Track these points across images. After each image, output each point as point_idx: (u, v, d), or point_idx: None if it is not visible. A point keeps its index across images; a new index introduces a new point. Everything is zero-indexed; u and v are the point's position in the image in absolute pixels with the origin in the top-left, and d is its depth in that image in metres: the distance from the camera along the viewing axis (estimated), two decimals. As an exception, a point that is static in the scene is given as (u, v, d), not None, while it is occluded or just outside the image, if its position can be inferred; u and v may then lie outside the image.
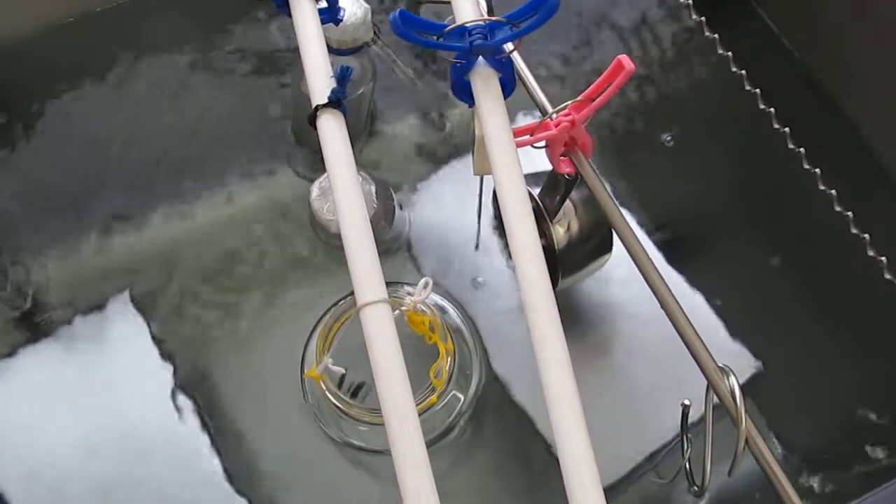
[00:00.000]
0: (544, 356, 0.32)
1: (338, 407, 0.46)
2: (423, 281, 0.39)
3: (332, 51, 0.50)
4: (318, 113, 0.38)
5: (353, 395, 0.49)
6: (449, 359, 0.45)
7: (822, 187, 0.56)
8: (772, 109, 0.57)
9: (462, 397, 0.47)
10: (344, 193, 0.36)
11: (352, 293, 0.39)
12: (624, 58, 0.38)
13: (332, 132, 0.38)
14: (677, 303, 0.39)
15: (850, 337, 0.55)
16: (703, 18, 0.61)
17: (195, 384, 0.53)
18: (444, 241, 0.56)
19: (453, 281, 0.55)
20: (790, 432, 0.52)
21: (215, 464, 0.51)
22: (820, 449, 0.52)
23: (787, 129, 0.57)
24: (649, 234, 0.57)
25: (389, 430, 0.32)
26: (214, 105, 0.61)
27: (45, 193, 0.58)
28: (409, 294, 0.43)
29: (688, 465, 0.44)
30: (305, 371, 0.47)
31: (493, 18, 0.37)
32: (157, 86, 0.61)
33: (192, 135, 0.60)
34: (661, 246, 0.56)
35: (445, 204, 0.57)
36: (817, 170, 0.56)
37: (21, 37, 0.61)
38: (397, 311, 0.36)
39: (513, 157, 0.36)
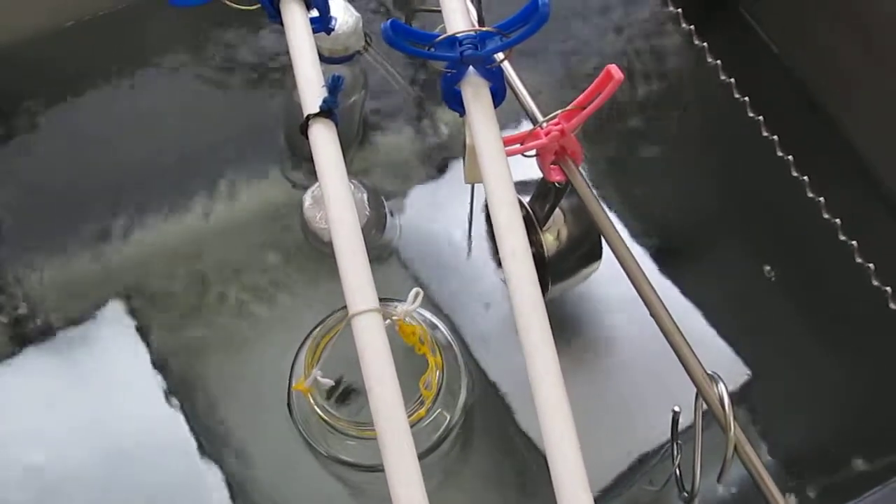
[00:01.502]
0: (535, 366, 0.32)
1: (325, 421, 0.45)
2: (413, 291, 0.39)
3: (324, 59, 0.50)
4: (309, 122, 0.38)
5: (343, 399, 0.49)
6: (438, 372, 0.45)
7: (810, 195, 0.56)
8: (760, 117, 0.58)
9: (450, 412, 0.47)
10: (336, 203, 0.36)
11: (342, 308, 0.39)
12: (613, 67, 0.38)
13: (324, 141, 0.38)
14: (666, 309, 0.39)
15: (840, 343, 0.55)
16: (692, 27, 0.62)
17: (187, 392, 0.53)
18: (436, 249, 0.56)
19: (444, 288, 0.55)
20: (782, 439, 0.52)
21: (205, 474, 0.51)
22: (812, 456, 0.52)
23: (775, 137, 0.57)
24: (640, 242, 0.57)
25: (381, 439, 0.32)
26: (208, 113, 0.61)
27: (39, 200, 0.59)
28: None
29: (678, 472, 0.44)
30: (294, 384, 0.47)
31: (484, 29, 0.37)
32: (151, 93, 0.61)
33: (186, 142, 0.60)
34: (652, 254, 0.57)
35: (437, 212, 0.58)
36: (805, 177, 0.57)
37: (16, 42, 0.62)
38: (388, 321, 0.36)
39: (503, 166, 0.36)
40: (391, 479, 0.31)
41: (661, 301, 0.39)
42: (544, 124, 0.42)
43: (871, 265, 0.55)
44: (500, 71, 0.39)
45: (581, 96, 0.40)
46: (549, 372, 0.32)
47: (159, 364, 0.54)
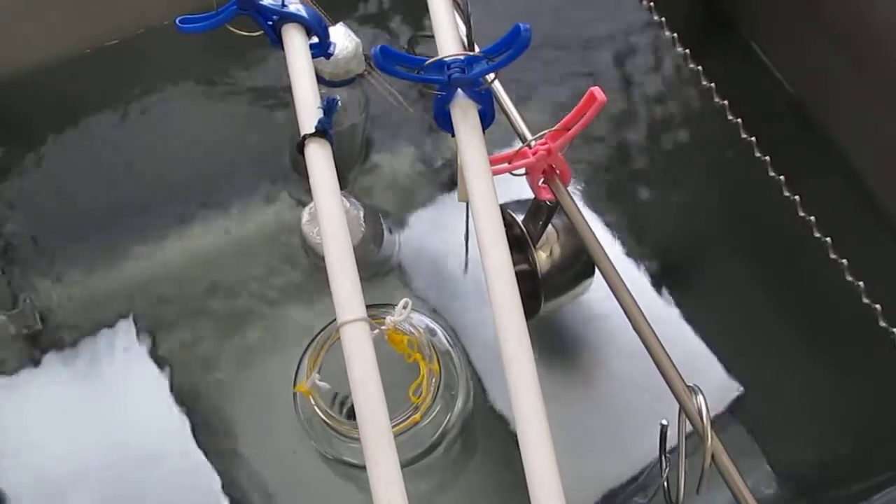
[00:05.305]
0: (513, 374, 0.34)
1: (327, 423, 0.47)
2: (402, 302, 0.40)
3: (326, 83, 0.52)
4: (305, 142, 0.40)
5: (350, 413, 0.50)
6: (433, 379, 0.46)
7: (801, 214, 0.57)
8: (753, 138, 0.59)
9: (448, 415, 0.48)
10: (328, 218, 0.38)
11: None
12: (596, 90, 0.39)
13: (319, 160, 0.40)
14: (648, 323, 0.40)
15: (833, 359, 0.56)
16: (687, 51, 0.63)
17: (195, 402, 0.54)
18: (434, 264, 0.58)
19: (442, 302, 0.56)
20: (776, 454, 0.53)
21: (213, 479, 0.52)
22: (806, 470, 0.53)
23: (767, 158, 0.58)
24: (636, 260, 0.58)
25: (365, 444, 0.33)
26: (217, 135, 0.63)
27: (54, 219, 0.61)
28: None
29: (666, 484, 0.45)
30: (295, 386, 0.49)
31: (470, 53, 0.39)
32: (161, 116, 0.63)
33: (195, 163, 0.62)
34: (649, 272, 0.57)
35: (436, 228, 0.59)
36: (797, 197, 0.57)
37: (31, 69, 0.64)
38: (377, 331, 0.37)
39: (488, 185, 0.38)
40: (372, 482, 0.32)
41: (642, 314, 0.40)
42: (532, 143, 0.43)
43: (861, 283, 0.55)
44: (489, 93, 0.40)
45: (566, 117, 0.41)
46: (526, 382, 0.33)
47: (169, 376, 0.55)
